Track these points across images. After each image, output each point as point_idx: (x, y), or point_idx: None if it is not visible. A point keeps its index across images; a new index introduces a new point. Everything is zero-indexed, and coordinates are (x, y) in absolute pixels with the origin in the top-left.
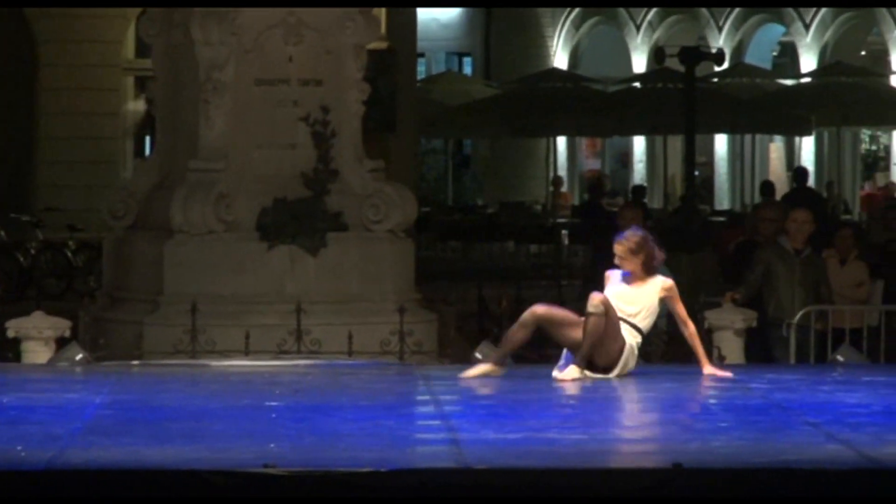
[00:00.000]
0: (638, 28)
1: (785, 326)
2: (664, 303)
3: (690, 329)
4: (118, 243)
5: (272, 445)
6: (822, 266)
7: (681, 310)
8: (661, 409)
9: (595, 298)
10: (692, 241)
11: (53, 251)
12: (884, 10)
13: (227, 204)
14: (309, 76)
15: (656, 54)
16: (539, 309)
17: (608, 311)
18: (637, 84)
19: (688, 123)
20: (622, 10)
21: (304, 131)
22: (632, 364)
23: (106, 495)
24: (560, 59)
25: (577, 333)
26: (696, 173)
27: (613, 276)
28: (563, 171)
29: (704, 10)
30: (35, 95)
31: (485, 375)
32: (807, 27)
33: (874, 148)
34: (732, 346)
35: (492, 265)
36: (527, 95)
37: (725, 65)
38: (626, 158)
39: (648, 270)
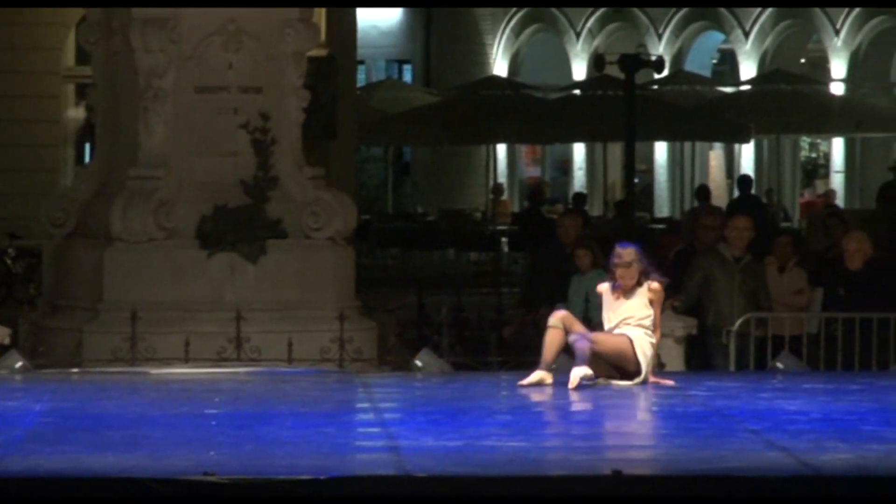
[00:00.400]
0: (578, 35)
1: (725, 334)
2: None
3: (657, 337)
4: (58, 251)
5: (212, 453)
6: (762, 273)
7: (657, 315)
8: (602, 416)
9: (557, 315)
10: None
11: None
12: (823, 18)
13: (167, 211)
14: (249, 84)
15: (596, 62)
16: (560, 312)
17: (568, 328)
18: (577, 91)
19: (628, 131)
20: (562, 18)
21: (245, 139)
22: (649, 353)
23: (46, 503)
24: (500, 66)
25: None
26: (636, 181)
27: (605, 292)
28: (503, 178)
29: (644, 18)
30: None
31: (540, 383)
32: (746, 35)
33: (814, 155)
34: (673, 354)
35: (432, 272)
36: (467, 103)
37: (665, 72)
38: (566, 166)
39: (641, 281)
